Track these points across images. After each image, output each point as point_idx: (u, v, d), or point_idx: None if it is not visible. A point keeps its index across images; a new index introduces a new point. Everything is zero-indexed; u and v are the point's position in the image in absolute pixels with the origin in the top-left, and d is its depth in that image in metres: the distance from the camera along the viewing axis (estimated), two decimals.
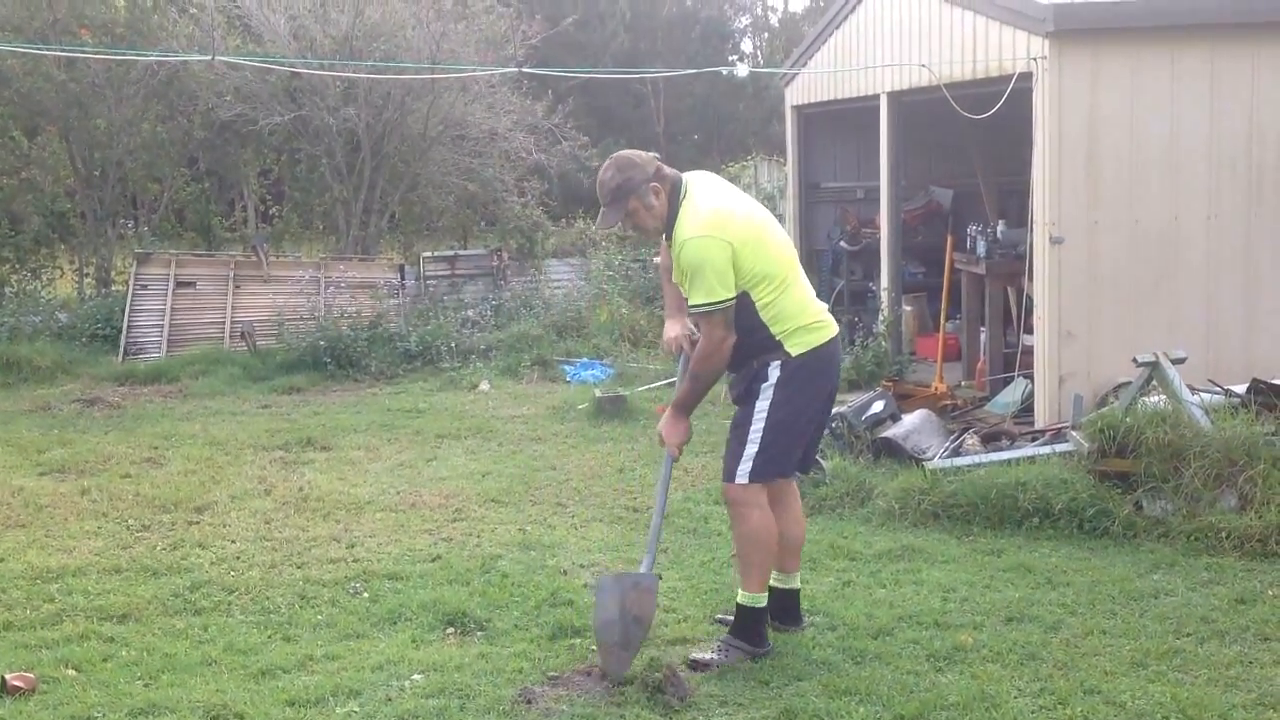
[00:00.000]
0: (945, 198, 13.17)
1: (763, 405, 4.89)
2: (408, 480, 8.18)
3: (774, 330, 4.90)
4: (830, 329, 5.02)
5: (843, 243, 13.11)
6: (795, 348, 4.90)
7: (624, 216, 4.90)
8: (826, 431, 7.89)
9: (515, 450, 9.10)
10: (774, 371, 4.90)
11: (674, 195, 4.89)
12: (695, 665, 4.88)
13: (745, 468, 4.90)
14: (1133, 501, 6.64)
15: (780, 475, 5.05)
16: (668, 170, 4.94)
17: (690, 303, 4.84)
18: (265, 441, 9.39)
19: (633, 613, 4.77)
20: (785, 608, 5.21)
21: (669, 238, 4.92)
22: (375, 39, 15.54)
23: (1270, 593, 5.64)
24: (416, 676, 4.78)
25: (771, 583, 5.10)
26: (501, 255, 16.15)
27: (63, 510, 7.39)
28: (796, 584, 5.28)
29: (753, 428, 4.89)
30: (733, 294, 4.78)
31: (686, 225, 4.80)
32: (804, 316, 4.96)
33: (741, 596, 4.98)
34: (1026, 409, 9.12)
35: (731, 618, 5.09)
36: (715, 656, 4.90)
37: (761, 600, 4.97)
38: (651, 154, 5.01)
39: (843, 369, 10.88)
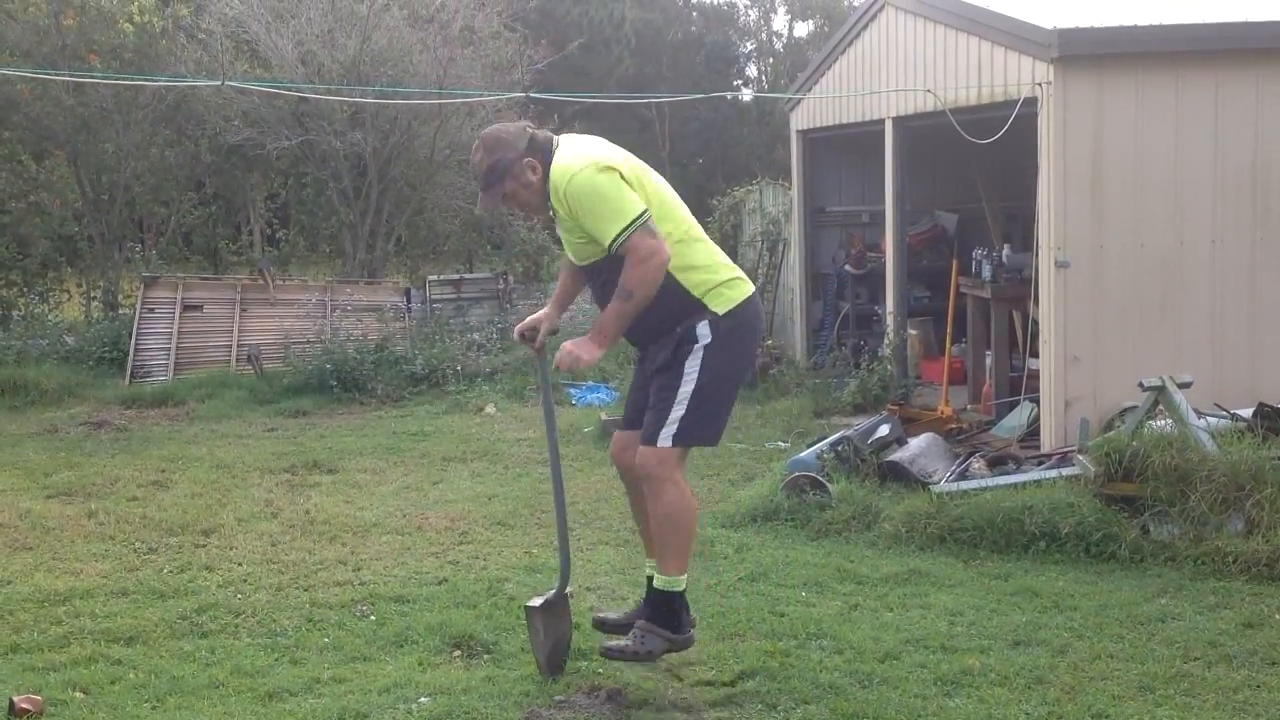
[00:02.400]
0: (950, 222, 13.23)
1: (692, 366, 4.53)
2: (414, 503, 8.19)
3: (690, 286, 4.54)
4: (749, 285, 4.69)
5: (848, 266, 13.15)
6: (721, 305, 4.55)
7: (503, 199, 4.58)
8: (832, 454, 7.91)
9: (521, 473, 9.11)
10: (703, 331, 4.54)
11: (546, 157, 4.51)
12: (609, 653, 4.69)
13: (669, 430, 4.55)
14: (1139, 525, 6.63)
15: (704, 442, 4.71)
16: (541, 137, 4.56)
17: (608, 239, 4.36)
18: (271, 464, 9.40)
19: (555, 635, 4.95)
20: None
21: (551, 200, 4.48)
22: (382, 64, 15.66)
23: (1278, 617, 5.63)
24: (424, 699, 4.77)
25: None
26: (507, 278, 16.19)
27: (70, 533, 7.40)
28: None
29: (680, 389, 4.52)
30: (643, 207, 4.35)
31: (562, 169, 4.41)
32: (721, 272, 4.61)
33: (657, 580, 4.69)
34: (1032, 433, 9.14)
35: (611, 616, 4.93)
36: (630, 644, 4.65)
37: (679, 584, 4.67)
38: (522, 123, 4.63)
39: (849, 392, 11.04)
